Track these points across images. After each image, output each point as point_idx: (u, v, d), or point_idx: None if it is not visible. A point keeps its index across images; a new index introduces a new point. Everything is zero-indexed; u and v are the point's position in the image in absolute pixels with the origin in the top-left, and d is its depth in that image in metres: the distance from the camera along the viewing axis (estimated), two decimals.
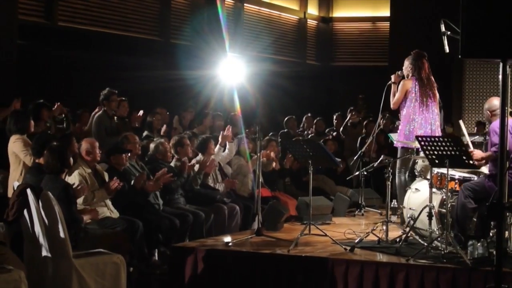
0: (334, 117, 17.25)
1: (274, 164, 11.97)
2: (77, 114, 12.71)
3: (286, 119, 16.38)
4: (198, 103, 15.37)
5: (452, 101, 18.72)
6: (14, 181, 8.64)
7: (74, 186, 8.34)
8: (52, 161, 8.09)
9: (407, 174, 10.28)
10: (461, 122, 10.10)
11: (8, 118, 9.78)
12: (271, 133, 13.64)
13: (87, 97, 13.35)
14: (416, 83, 10.11)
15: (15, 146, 9.27)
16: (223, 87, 13.28)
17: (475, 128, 17.41)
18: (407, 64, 10.27)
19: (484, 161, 8.46)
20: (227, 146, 11.60)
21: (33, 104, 10.91)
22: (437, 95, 10.27)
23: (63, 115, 11.59)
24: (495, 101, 8.50)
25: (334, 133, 16.41)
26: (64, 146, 8.53)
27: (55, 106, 11.37)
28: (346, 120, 16.47)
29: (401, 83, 10.22)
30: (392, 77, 10.32)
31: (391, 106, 10.36)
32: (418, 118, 10.09)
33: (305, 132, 16.53)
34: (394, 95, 10.28)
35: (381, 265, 7.92)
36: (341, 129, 16.32)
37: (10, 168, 9.42)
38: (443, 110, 11.15)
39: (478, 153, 8.39)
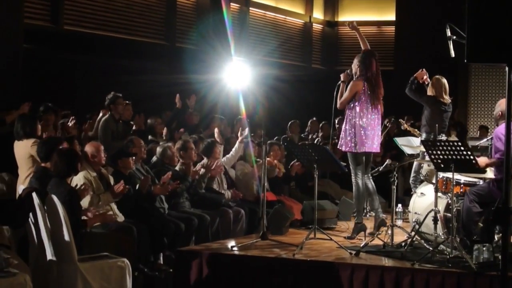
0: (336, 121, 17.21)
1: (277, 171, 11.94)
2: (86, 118, 12.70)
3: (289, 123, 16.36)
4: (204, 107, 15.38)
5: (458, 105, 18.70)
6: (20, 185, 8.65)
7: (77, 187, 8.35)
8: (61, 164, 8.10)
9: (364, 177, 10.06)
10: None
11: (15, 121, 9.78)
12: (276, 138, 13.64)
13: (93, 101, 13.36)
14: (365, 84, 9.77)
15: (33, 149, 9.20)
16: (229, 91, 13.29)
17: (478, 132, 17.39)
18: (355, 62, 9.88)
19: (488, 167, 8.43)
20: (235, 147, 11.61)
21: (40, 107, 10.95)
22: (381, 97, 9.92)
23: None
24: None
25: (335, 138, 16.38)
26: (73, 151, 8.54)
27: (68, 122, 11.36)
28: None
29: (351, 83, 9.80)
30: (342, 76, 9.93)
31: (338, 106, 9.87)
32: (366, 121, 9.73)
33: (310, 136, 16.49)
34: (342, 95, 9.86)
35: (386, 269, 7.91)
36: None
37: (18, 171, 9.41)
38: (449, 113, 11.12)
39: (482, 160, 8.34)
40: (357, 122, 9.72)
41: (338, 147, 10.08)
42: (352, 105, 9.77)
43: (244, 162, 11.79)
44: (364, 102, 9.74)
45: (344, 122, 9.90)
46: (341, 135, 9.94)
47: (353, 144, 9.76)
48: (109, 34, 15.56)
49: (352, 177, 9.98)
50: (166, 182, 9.81)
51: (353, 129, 9.74)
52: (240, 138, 11.60)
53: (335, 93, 9.95)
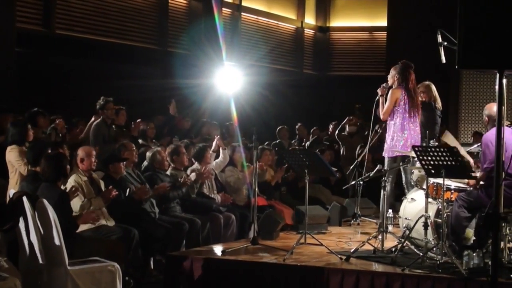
0: (331, 127, 17.19)
1: (267, 175, 11.96)
2: (73, 122, 12.70)
3: (278, 129, 16.36)
4: (195, 111, 15.38)
5: (449, 111, 18.71)
6: (11, 190, 8.64)
7: (67, 190, 8.35)
8: (49, 169, 8.09)
9: (393, 184, 10.35)
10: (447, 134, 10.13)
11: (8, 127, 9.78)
12: (266, 143, 13.63)
13: (84, 105, 13.35)
14: (404, 93, 10.20)
15: (11, 155, 9.30)
16: (220, 96, 13.30)
17: (472, 138, 17.39)
18: (393, 73, 10.37)
19: (480, 183, 8.45)
20: (221, 153, 11.57)
21: (28, 112, 10.92)
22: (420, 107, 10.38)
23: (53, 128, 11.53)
24: (495, 108, 8.50)
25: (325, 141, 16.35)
26: (61, 155, 8.53)
27: (57, 121, 11.33)
28: (341, 125, 16.04)
29: (390, 92, 10.27)
30: (379, 90, 10.37)
31: (381, 117, 10.40)
32: (408, 128, 10.19)
33: (304, 143, 16.43)
34: (382, 106, 10.34)
35: (376, 274, 7.92)
36: (336, 132, 15.85)
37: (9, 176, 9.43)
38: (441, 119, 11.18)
39: (471, 182, 8.50)
40: (396, 129, 10.21)
41: (383, 154, 10.51)
42: (399, 113, 10.25)
43: (233, 168, 11.74)
44: (403, 109, 10.21)
45: (387, 129, 10.40)
46: (385, 142, 10.42)
47: (390, 150, 10.26)
48: (101, 38, 15.57)
49: (389, 183, 10.34)
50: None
51: (393, 135, 10.22)
52: (222, 145, 11.53)
53: (374, 107, 10.40)
